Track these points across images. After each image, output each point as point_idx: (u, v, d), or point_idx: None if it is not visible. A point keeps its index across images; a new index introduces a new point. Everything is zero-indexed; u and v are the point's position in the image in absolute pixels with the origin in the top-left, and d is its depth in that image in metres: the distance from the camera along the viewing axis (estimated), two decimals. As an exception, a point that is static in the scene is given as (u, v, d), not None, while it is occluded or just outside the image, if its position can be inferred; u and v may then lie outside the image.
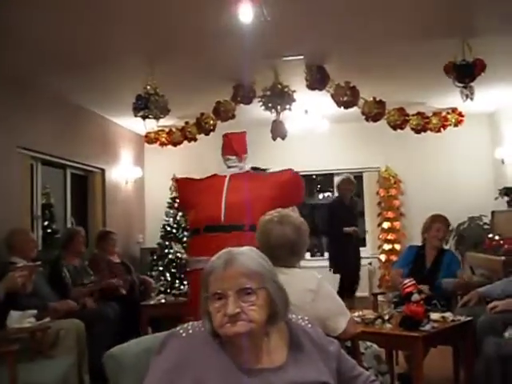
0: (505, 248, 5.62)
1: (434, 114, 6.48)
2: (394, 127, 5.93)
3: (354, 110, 5.62)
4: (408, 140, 7.03)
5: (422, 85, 6.09)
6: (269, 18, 3.65)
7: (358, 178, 7.89)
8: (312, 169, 8.48)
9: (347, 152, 8.22)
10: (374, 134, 7.17)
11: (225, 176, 3.67)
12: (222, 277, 1.45)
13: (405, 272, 4.28)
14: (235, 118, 5.95)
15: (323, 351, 1.57)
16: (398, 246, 7.91)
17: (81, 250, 5.34)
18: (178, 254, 7.31)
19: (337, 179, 6.44)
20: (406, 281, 3.32)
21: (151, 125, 5.99)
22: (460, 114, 6.59)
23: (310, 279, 2.35)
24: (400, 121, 5.88)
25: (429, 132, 6.36)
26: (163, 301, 5.38)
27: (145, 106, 5.17)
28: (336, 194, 6.42)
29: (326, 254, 8.45)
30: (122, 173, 7.84)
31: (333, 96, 5.42)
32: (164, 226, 7.62)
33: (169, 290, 6.57)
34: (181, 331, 1.51)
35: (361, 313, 3.52)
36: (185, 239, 7.49)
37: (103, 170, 7.29)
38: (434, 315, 3.44)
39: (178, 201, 6.85)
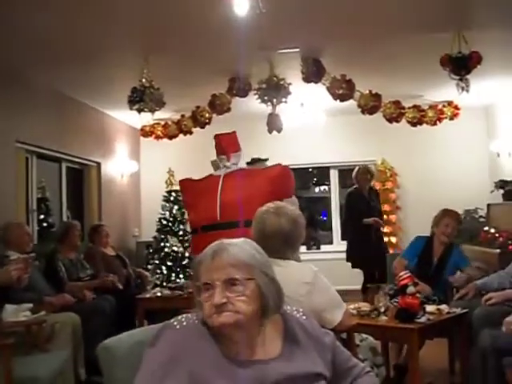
0: (500, 241, 5.62)
1: (430, 107, 6.50)
2: (390, 120, 5.93)
3: (350, 102, 5.62)
4: (404, 133, 7.04)
5: (417, 78, 6.09)
6: (264, 10, 3.64)
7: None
8: (308, 162, 8.51)
9: (343, 145, 8.23)
10: (370, 127, 7.18)
11: (219, 176, 3.73)
12: (210, 267, 1.44)
13: (411, 264, 4.22)
14: (231, 111, 5.94)
15: (318, 343, 1.56)
16: (393, 239, 7.93)
17: (76, 243, 5.32)
18: (174, 248, 7.33)
19: (354, 171, 6.36)
20: (402, 273, 3.31)
21: (147, 118, 5.97)
22: (456, 107, 6.62)
23: (306, 272, 2.36)
24: (396, 114, 5.89)
25: (425, 125, 6.36)
26: (159, 294, 5.36)
27: (140, 99, 5.15)
28: (355, 186, 6.31)
29: (326, 247, 8.53)
30: (117, 166, 7.84)
31: (328, 89, 5.41)
32: (160, 219, 7.64)
33: (165, 284, 6.57)
34: (175, 323, 1.50)
35: (356, 305, 3.52)
36: (181, 233, 7.54)
37: (99, 164, 7.28)
38: (430, 307, 3.44)
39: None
